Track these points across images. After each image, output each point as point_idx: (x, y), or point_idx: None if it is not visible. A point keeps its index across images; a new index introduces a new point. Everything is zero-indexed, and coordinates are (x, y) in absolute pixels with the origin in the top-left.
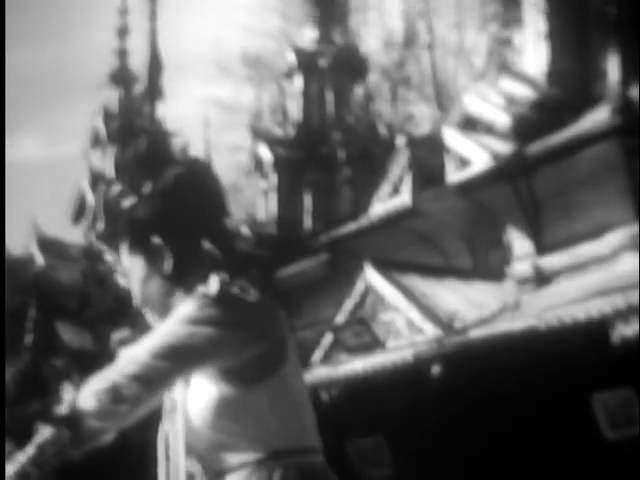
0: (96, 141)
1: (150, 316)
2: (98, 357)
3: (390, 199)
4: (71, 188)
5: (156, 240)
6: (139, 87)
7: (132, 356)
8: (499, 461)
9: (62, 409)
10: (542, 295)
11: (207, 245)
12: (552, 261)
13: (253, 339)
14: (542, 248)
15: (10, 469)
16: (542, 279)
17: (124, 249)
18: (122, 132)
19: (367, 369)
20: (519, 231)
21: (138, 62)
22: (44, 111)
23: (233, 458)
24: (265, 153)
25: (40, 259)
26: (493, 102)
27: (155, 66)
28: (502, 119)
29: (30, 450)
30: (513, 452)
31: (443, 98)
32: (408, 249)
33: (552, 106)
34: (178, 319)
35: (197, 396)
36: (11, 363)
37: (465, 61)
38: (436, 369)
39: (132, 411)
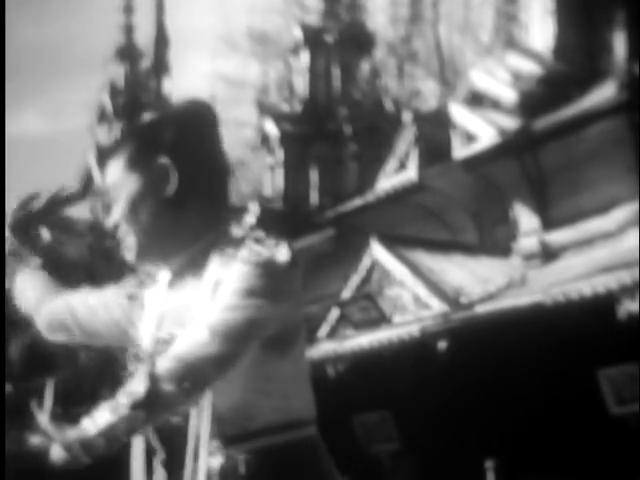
0: (102, 116)
1: (128, 240)
2: None
3: (396, 174)
4: (76, 163)
5: (163, 160)
6: (145, 62)
7: (202, 335)
8: (505, 436)
9: (138, 386)
10: (548, 270)
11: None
12: (558, 237)
13: (299, 306)
14: (548, 223)
15: (75, 433)
16: (548, 254)
17: (118, 162)
18: (128, 107)
19: (373, 344)
20: (525, 206)
21: (144, 37)
22: (47, 86)
23: (253, 423)
24: (271, 128)
25: (46, 234)
26: (499, 78)
27: (161, 41)
28: (508, 95)
29: (101, 421)
30: (519, 427)
31: (449, 74)
32: (414, 224)
33: (558, 81)
34: (240, 292)
35: None
36: (17, 338)
37: (471, 37)
38: (442, 344)
39: (204, 393)
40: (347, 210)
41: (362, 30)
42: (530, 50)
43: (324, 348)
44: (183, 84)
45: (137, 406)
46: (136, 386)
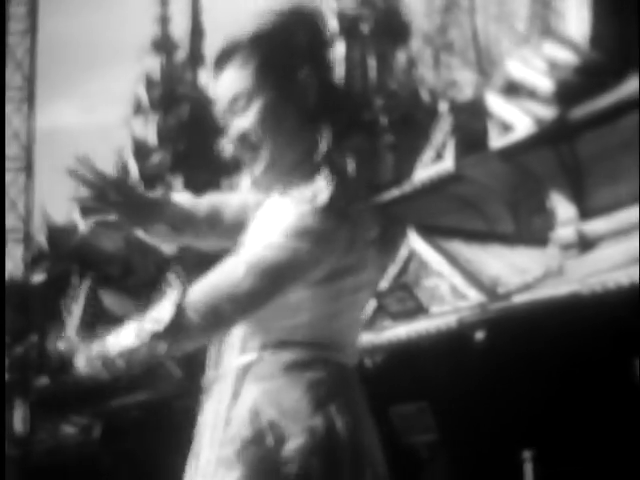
0: (138, 109)
1: (259, 153)
2: None
3: (433, 164)
4: (111, 155)
5: (304, 69)
6: (181, 54)
7: (237, 269)
8: (542, 426)
9: (165, 314)
10: (585, 260)
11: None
12: (596, 226)
13: (344, 255)
14: (585, 213)
15: (98, 349)
16: (585, 244)
17: (243, 69)
18: (164, 99)
19: (411, 335)
20: (562, 196)
21: (180, 29)
22: (82, 78)
23: (261, 337)
24: None
25: (83, 227)
26: (536, 67)
27: (197, 33)
28: (545, 84)
29: (124, 342)
30: (556, 417)
31: (485, 63)
32: (451, 214)
33: (595, 70)
34: (281, 231)
35: None
36: (53, 331)
37: (507, 26)
38: (479, 335)
39: (227, 329)
40: (384, 201)
41: (398, 20)
42: (566, 39)
43: (361, 339)
44: None
45: (160, 336)
46: (163, 314)
